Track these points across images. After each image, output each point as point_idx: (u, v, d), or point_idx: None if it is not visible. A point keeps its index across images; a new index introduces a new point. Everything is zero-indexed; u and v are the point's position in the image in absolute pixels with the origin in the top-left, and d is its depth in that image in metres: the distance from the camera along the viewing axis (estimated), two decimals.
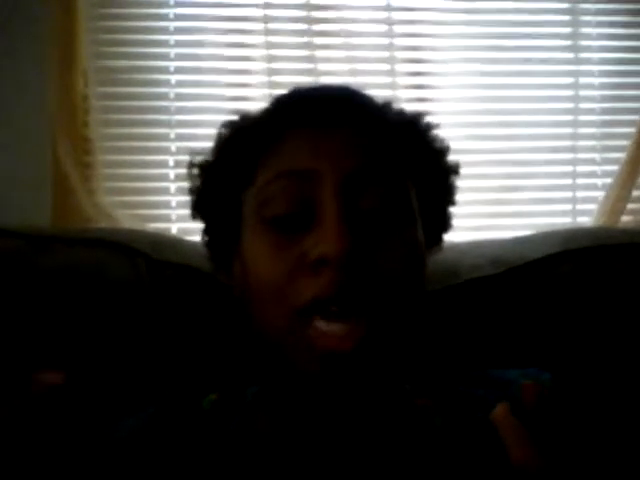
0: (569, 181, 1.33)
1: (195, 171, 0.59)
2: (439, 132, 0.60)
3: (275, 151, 0.53)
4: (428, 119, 0.60)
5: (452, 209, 0.61)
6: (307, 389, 0.49)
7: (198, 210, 0.60)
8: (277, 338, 0.49)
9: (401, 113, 0.59)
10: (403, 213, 0.52)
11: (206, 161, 0.59)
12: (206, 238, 0.60)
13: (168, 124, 1.24)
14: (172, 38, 1.25)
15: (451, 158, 0.60)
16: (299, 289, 0.48)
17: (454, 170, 0.60)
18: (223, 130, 0.59)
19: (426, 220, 0.55)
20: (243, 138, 0.56)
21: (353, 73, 1.26)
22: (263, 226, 0.51)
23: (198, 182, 0.59)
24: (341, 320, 0.47)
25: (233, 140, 0.57)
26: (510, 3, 1.33)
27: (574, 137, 1.33)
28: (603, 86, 1.35)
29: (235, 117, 0.59)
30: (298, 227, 0.50)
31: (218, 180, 0.57)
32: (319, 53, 1.26)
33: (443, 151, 0.60)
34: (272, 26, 1.25)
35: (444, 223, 0.61)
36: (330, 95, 0.56)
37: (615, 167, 1.30)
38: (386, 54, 1.28)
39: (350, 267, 0.47)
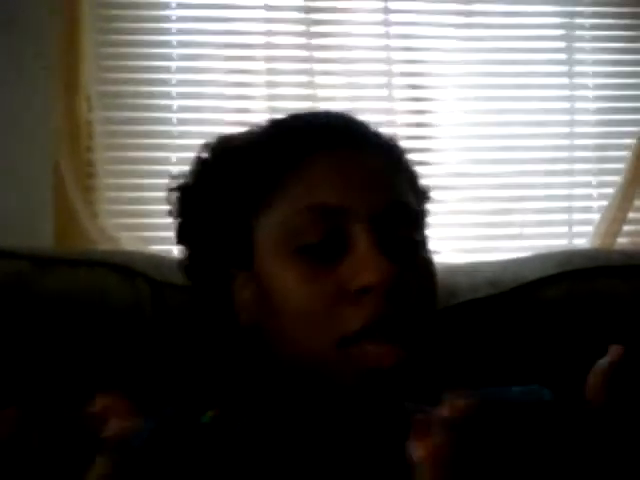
0: (565, 204, 1.35)
1: (181, 195, 0.58)
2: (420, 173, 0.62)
3: (292, 177, 0.53)
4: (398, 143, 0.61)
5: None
6: (333, 399, 0.51)
7: (186, 236, 0.59)
8: (320, 361, 0.50)
9: (389, 138, 0.60)
10: (423, 239, 0.55)
11: (196, 183, 0.58)
12: (189, 263, 0.59)
13: (170, 148, 1.25)
14: (174, 64, 1.27)
15: (423, 183, 0.61)
16: (344, 317, 0.49)
17: (428, 195, 0.61)
18: (205, 153, 0.58)
19: None
20: (253, 160, 0.55)
21: (352, 98, 1.28)
22: (294, 255, 0.51)
23: (185, 206, 0.58)
24: (384, 342, 0.49)
25: (238, 161, 0.56)
26: (506, 30, 1.36)
27: (570, 160, 1.35)
28: (598, 110, 1.36)
29: (216, 140, 0.59)
30: (330, 255, 0.50)
31: (221, 203, 0.56)
32: (318, 79, 1.28)
33: (427, 191, 0.61)
34: (273, 52, 1.27)
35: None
36: (338, 121, 0.57)
37: (611, 190, 1.31)
38: (384, 79, 1.29)
39: (392, 294, 0.49)
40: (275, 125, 0.58)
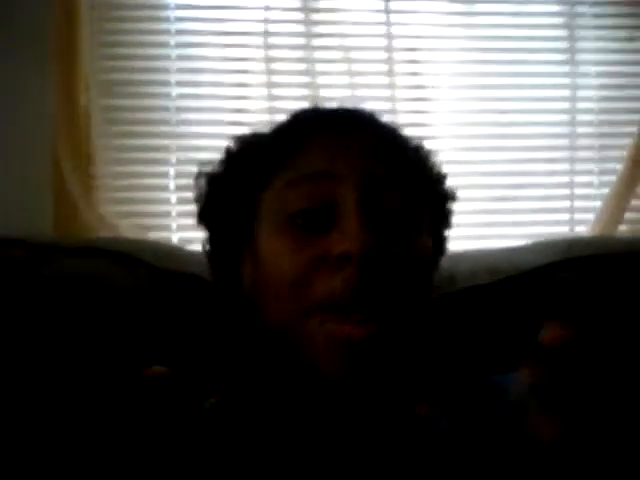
0: (567, 191, 1.34)
1: (202, 181, 0.61)
2: (438, 160, 0.64)
3: (293, 158, 0.55)
4: (429, 147, 0.64)
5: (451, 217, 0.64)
6: (319, 382, 0.51)
7: (206, 217, 0.62)
8: (291, 333, 0.51)
9: (409, 137, 0.62)
10: (416, 218, 0.55)
11: (216, 171, 0.61)
12: (209, 247, 0.62)
13: (169, 136, 1.25)
14: (173, 52, 1.26)
15: (449, 185, 0.64)
16: (319, 283, 0.50)
17: (451, 196, 0.64)
18: (234, 144, 0.61)
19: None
20: (259, 147, 0.59)
21: (352, 86, 1.28)
22: (284, 224, 0.53)
23: (206, 190, 0.61)
24: (353, 315, 0.49)
25: (248, 151, 0.60)
26: (507, 18, 1.35)
27: (572, 148, 1.34)
28: (600, 98, 1.35)
29: (245, 133, 0.62)
30: (319, 227, 0.52)
31: (231, 186, 0.59)
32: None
33: (442, 178, 0.63)
34: (272, 40, 1.27)
35: (441, 246, 0.63)
36: (345, 110, 0.60)
37: (613, 177, 1.31)
38: (385, 67, 1.29)
39: (369, 266, 0.49)
40: (289, 117, 0.61)
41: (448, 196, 0.63)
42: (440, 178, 0.63)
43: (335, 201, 0.52)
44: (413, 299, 0.53)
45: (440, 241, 0.63)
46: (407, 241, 0.53)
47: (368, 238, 0.49)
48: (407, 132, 0.63)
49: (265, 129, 0.62)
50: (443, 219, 0.63)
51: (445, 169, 0.64)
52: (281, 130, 0.60)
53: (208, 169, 0.62)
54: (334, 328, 0.49)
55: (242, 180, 0.58)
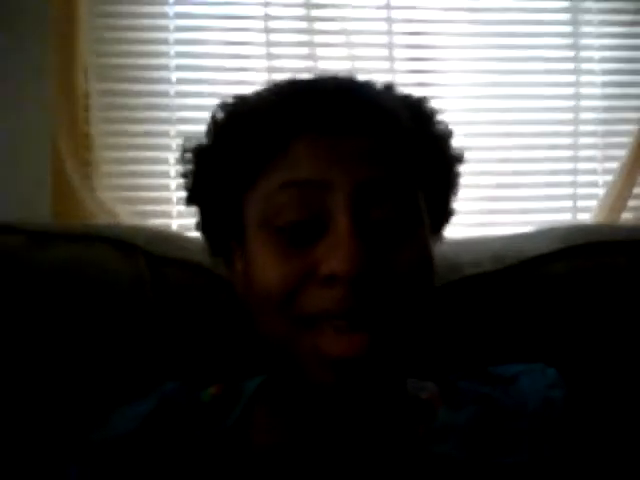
0: (570, 178, 1.34)
1: (190, 156, 0.58)
2: (443, 117, 0.59)
3: (280, 157, 0.51)
4: (431, 104, 0.59)
5: (454, 204, 0.61)
6: (317, 395, 0.49)
7: (195, 197, 0.58)
8: (282, 345, 0.49)
9: (405, 97, 0.58)
10: (413, 220, 0.52)
11: (203, 146, 0.57)
12: (201, 223, 0.59)
13: (169, 121, 1.24)
14: (172, 36, 1.25)
15: (455, 145, 0.59)
16: (308, 299, 0.48)
17: (458, 158, 0.60)
18: (220, 114, 0.57)
19: (431, 211, 0.55)
20: (245, 136, 0.53)
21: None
22: (271, 236, 0.50)
23: (194, 168, 0.58)
24: (348, 333, 0.47)
25: (234, 133, 0.55)
26: (510, 2, 1.33)
27: (575, 134, 1.33)
28: (604, 84, 1.34)
29: (231, 100, 0.58)
30: (308, 237, 0.49)
31: (218, 174, 0.55)
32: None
33: (447, 136, 0.59)
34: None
35: (447, 213, 0.60)
36: (334, 96, 0.52)
37: (616, 164, 1.30)
38: (386, 52, 1.28)
39: (361, 284, 0.47)
40: (273, 93, 0.56)
41: (455, 157, 0.59)
42: (446, 137, 0.59)
43: (325, 210, 0.49)
44: (414, 303, 0.50)
45: (446, 207, 0.60)
46: (404, 245, 0.50)
47: (358, 257, 0.46)
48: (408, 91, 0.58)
49: (254, 98, 0.57)
50: (450, 184, 0.59)
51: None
52: (266, 121, 0.52)
53: (194, 143, 0.58)
54: (325, 345, 0.47)
55: (228, 176, 0.54)
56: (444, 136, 0.59)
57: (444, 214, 0.60)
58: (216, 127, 0.57)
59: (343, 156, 0.50)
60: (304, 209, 0.49)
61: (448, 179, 0.59)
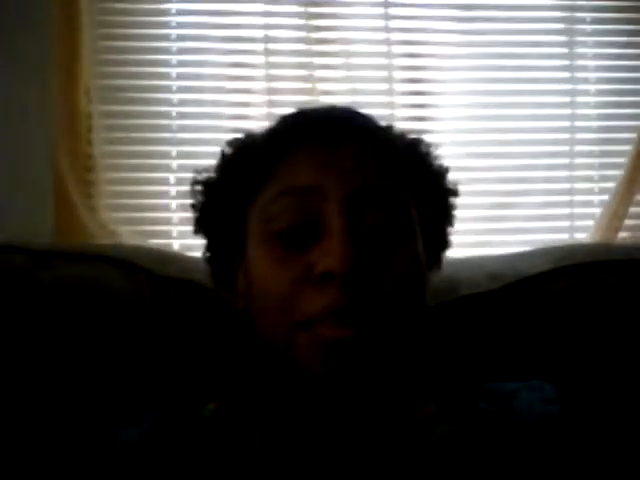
0: (567, 198, 1.34)
1: (198, 188, 0.61)
2: (439, 154, 0.62)
3: (279, 169, 0.54)
4: (429, 141, 0.62)
5: (451, 228, 0.63)
6: (311, 387, 0.50)
7: (201, 226, 0.61)
8: (281, 344, 0.51)
9: (402, 135, 0.61)
10: (404, 229, 0.54)
11: (210, 178, 0.60)
12: (208, 254, 0.62)
13: (170, 142, 1.25)
14: (174, 58, 1.27)
15: (450, 180, 0.62)
16: (304, 301, 0.49)
17: (453, 192, 0.62)
18: (227, 148, 0.60)
19: (426, 240, 0.57)
20: (248, 156, 0.57)
21: (352, 92, 1.28)
22: (268, 241, 0.53)
23: (201, 199, 0.61)
24: (341, 325, 0.49)
25: (238, 158, 0.59)
26: (507, 24, 1.35)
27: (571, 154, 1.34)
28: (599, 104, 1.36)
29: (239, 136, 0.61)
30: (303, 241, 0.51)
31: (222, 197, 0.58)
32: (318, 73, 1.28)
33: (442, 173, 0.62)
34: (272, 46, 1.27)
35: (443, 242, 0.62)
36: (333, 115, 0.58)
37: (612, 184, 1.31)
38: (385, 73, 1.29)
39: (354, 283, 0.48)
40: (275, 121, 0.60)
41: (449, 191, 0.62)
42: (441, 172, 0.62)
43: (320, 216, 0.51)
44: (404, 310, 0.52)
45: (442, 237, 0.62)
46: (396, 253, 0.52)
47: (351, 256, 0.48)
48: (404, 128, 0.61)
49: (259, 131, 0.61)
50: (444, 215, 0.62)
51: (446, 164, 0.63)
52: (267, 138, 0.58)
53: (203, 176, 0.61)
54: (319, 330, 0.49)
55: (231, 194, 0.58)
56: (439, 170, 0.61)
57: (440, 243, 0.62)
58: (224, 160, 0.60)
59: (335, 164, 0.53)
60: (301, 214, 0.52)
61: (443, 209, 0.62)
